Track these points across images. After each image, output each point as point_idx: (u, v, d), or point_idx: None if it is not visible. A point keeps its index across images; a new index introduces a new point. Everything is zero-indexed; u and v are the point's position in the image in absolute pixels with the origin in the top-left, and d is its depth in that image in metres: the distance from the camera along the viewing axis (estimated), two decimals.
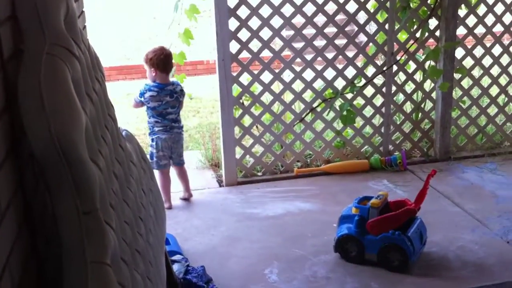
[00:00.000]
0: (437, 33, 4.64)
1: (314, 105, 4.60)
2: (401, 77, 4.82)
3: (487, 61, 4.91)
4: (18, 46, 1.29)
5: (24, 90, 1.14)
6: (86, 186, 1.18)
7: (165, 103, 3.95)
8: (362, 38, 7.02)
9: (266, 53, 4.43)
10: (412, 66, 4.77)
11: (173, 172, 4.16)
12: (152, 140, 4.00)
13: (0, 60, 1.17)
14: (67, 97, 1.20)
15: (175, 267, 2.98)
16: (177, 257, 3.13)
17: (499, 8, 4.77)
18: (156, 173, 3.92)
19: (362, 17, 6.57)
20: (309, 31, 4.49)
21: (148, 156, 3.93)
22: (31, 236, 1.28)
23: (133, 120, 6.87)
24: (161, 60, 3.91)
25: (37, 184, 1.38)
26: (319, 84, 4.60)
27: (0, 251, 1.06)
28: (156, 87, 3.93)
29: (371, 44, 4.66)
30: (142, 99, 3.95)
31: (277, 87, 4.59)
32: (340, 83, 4.62)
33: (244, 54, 4.29)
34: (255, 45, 4.39)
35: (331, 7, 4.36)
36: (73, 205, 1.16)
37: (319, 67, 4.53)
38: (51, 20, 1.27)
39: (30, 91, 1.14)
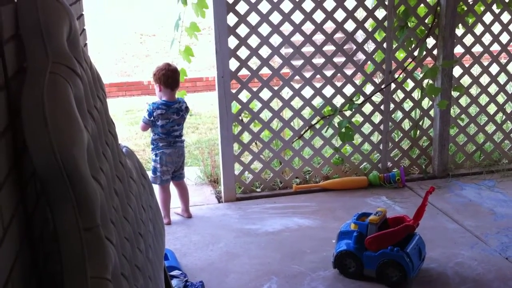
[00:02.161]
0: (435, 52, 4.68)
1: (313, 122, 4.63)
2: (399, 95, 4.86)
3: (484, 79, 4.95)
4: (21, 64, 1.31)
5: (27, 108, 1.16)
6: (87, 202, 1.20)
7: (172, 121, 3.93)
8: (360, 56, 7.05)
9: (265, 71, 4.47)
10: (410, 84, 4.81)
11: (172, 188, 4.17)
12: (156, 155, 3.97)
13: (4, 78, 1.19)
14: (69, 115, 1.21)
15: (174, 282, 2.98)
16: (175, 272, 3.14)
17: (496, 28, 4.82)
18: (157, 188, 3.92)
19: (360, 35, 6.61)
20: (308, 49, 4.53)
21: (150, 172, 3.96)
22: (30, 251, 1.29)
23: (133, 136, 6.89)
24: (163, 75, 3.89)
25: (37, 200, 1.39)
26: (318, 101, 4.63)
27: (3, 265, 1.07)
28: (164, 105, 3.92)
29: (369, 62, 4.70)
30: (152, 118, 3.91)
31: (276, 104, 4.62)
32: (338, 101, 4.65)
33: (244, 72, 4.32)
34: (254, 62, 4.43)
35: (329, 26, 4.40)
36: (75, 221, 1.17)
37: (318, 85, 4.56)
38: (54, 39, 1.29)
39: (33, 109, 1.16)
